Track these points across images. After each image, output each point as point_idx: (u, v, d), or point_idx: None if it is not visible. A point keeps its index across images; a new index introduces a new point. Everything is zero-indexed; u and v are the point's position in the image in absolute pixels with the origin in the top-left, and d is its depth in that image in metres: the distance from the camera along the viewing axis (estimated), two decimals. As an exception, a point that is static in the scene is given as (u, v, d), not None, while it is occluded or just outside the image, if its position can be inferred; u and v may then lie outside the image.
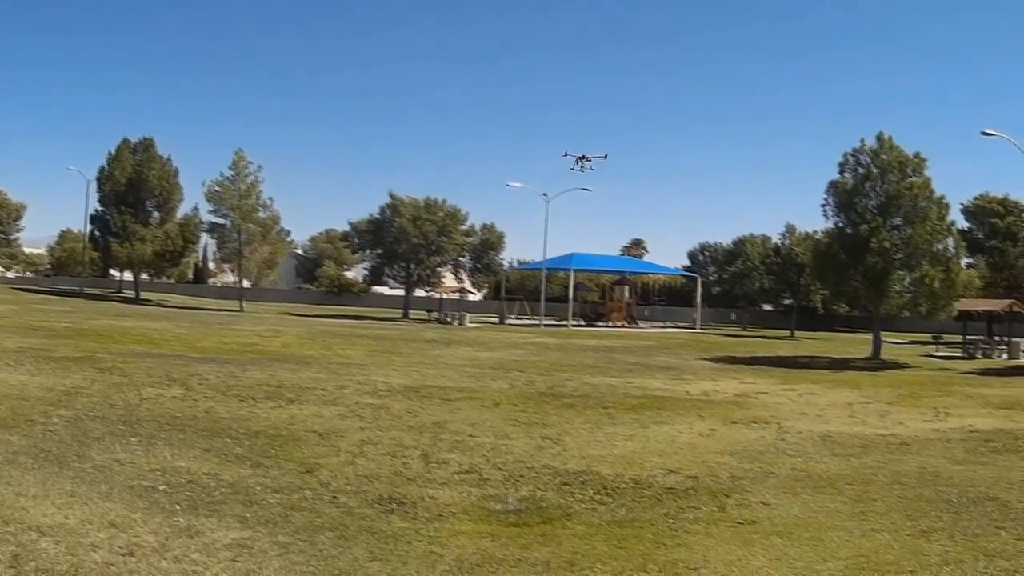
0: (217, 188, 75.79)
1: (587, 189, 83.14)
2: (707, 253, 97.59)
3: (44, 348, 27.45)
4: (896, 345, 53.35)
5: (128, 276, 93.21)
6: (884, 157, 42.94)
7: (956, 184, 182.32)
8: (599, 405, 20.99)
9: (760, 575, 8.23)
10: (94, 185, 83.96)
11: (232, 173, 76.06)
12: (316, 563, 8.01)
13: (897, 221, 42.77)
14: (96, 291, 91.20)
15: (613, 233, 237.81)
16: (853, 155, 44.18)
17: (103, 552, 7.85)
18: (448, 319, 70.28)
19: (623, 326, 73.24)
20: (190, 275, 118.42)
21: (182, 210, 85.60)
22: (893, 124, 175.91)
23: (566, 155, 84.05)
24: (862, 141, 44.07)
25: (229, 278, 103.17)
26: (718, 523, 10.14)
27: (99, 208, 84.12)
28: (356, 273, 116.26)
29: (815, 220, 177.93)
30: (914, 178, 42.66)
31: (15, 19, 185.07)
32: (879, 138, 43.64)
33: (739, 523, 10.16)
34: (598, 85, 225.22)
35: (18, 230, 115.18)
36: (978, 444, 16.62)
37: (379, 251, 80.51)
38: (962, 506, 11.14)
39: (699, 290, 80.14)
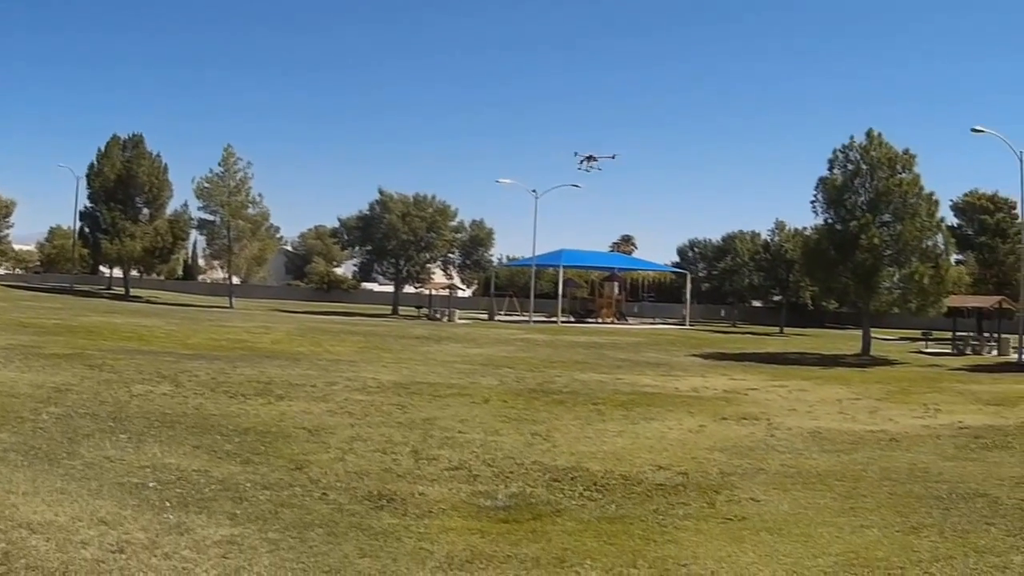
0: (206, 185, 75.63)
1: (576, 186, 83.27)
2: (696, 249, 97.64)
3: (34, 345, 27.36)
4: (886, 341, 53.45)
5: (118, 273, 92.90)
6: (873, 153, 43.01)
7: (946, 180, 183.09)
8: (589, 401, 21.02)
9: (750, 571, 8.24)
10: (84, 182, 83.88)
11: (221, 169, 75.94)
12: (306, 560, 8.00)
13: (887, 217, 42.86)
14: (86, 288, 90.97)
15: (602, 229, 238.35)
16: (843, 151, 44.25)
17: (93, 549, 7.84)
18: (437, 315, 70.21)
19: (612, 322, 73.31)
20: (180, 272, 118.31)
21: (172, 207, 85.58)
22: (883, 120, 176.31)
23: (576, 155, 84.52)
24: (851, 138, 44.25)
25: (219, 275, 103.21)
26: (708, 519, 10.16)
27: (89, 205, 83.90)
28: (345, 269, 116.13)
29: (805, 216, 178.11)
30: (903, 174, 42.75)
31: (4, 15, 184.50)
32: (868, 134, 43.72)
33: (729, 519, 10.18)
34: (588, 81, 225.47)
35: (8, 227, 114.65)
36: (968, 440, 16.67)
37: (368, 247, 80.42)
38: (952, 502, 11.17)
39: (688, 286, 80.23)
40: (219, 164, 75.90)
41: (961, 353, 46.80)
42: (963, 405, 22.88)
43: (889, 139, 43.54)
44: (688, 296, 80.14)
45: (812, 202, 45.07)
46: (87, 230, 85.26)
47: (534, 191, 76.64)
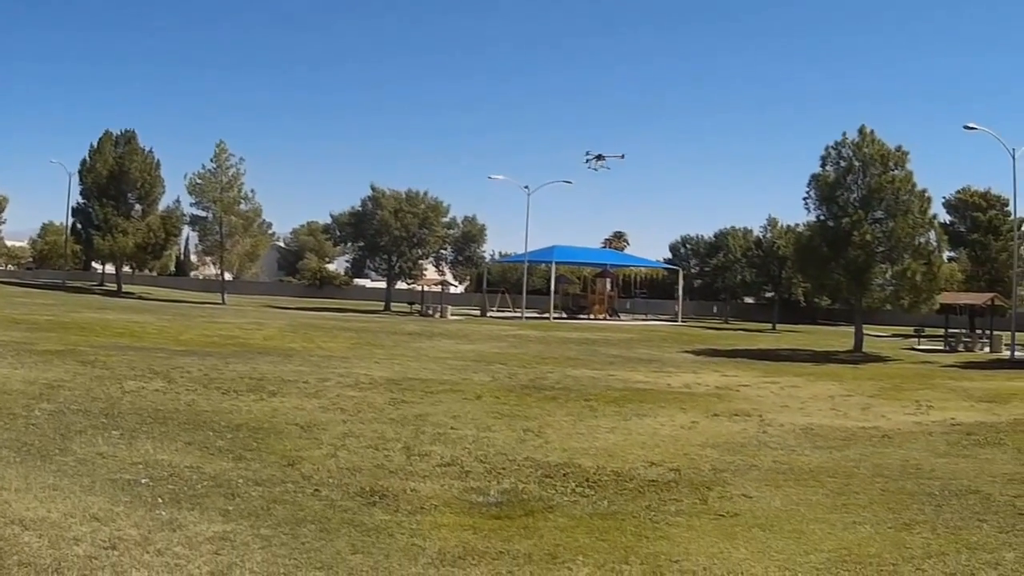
0: (199, 180, 75.71)
1: (568, 182, 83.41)
2: (689, 246, 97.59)
3: (26, 341, 27.32)
4: (878, 338, 53.56)
5: (110, 269, 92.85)
6: (866, 150, 43.09)
7: (939, 177, 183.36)
8: (581, 398, 21.03)
9: (742, 568, 8.23)
10: (76, 178, 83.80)
11: (214, 165, 76.05)
12: (298, 556, 8.00)
13: (879, 214, 42.98)
14: (78, 284, 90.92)
15: (595, 226, 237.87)
16: (835, 148, 44.34)
17: (86, 546, 7.82)
18: (430, 312, 70.25)
19: (605, 319, 73.39)
20: (172, 268, 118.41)
21: (164, 203, 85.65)
22: (876, 117, 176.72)
23: (588, 153, 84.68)
24: (844, 134, 44.33)
25: (211, 271, 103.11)
26: (700, 516, 10.16)
27: (81, 201, 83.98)
28: (338, 266, 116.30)
29: (797, 213, 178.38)
30: (896, 171, 42.84)
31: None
32: (861, 131, 43.80)
33: (721, 516, 10.18)
34: (581, 79, 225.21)
35: (0, 223, 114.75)
36: (960, 437, 16.68)
37: (361, 243, 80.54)
38: (944, 499, 11.17)
39: (681, 283, 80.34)
40: (211, 160, 76.16)
41: (953, 350, 46.90)
42: (955, 402, 22.91)
43: (882, 136, 43.71)
44: (680, 292, 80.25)
45: (805, 199, 45.23)
46: (79, 226, 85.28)
47: (526, 187, 76.85)
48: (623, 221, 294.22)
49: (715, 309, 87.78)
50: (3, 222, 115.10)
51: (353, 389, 20.57)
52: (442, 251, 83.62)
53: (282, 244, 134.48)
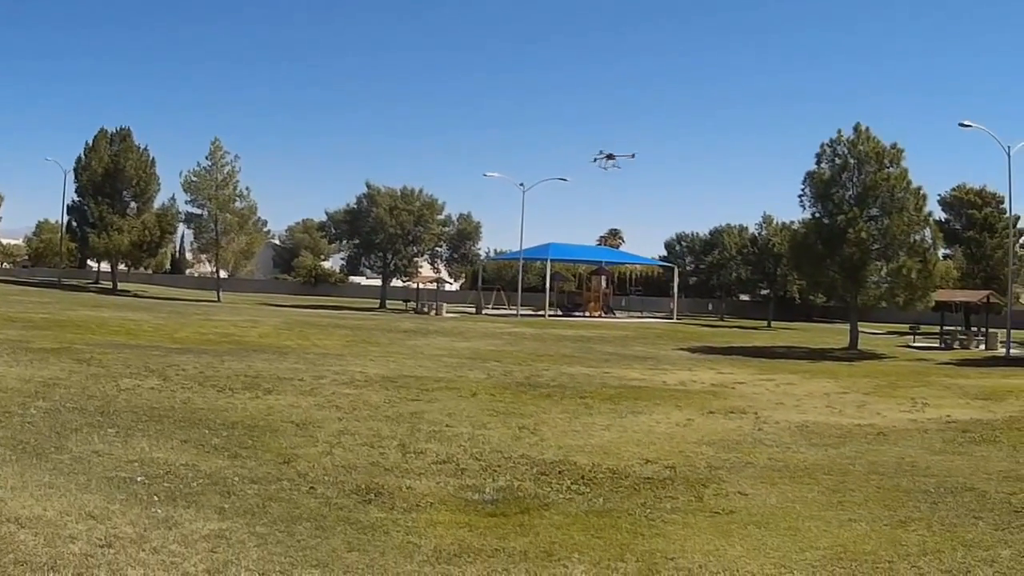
0: (194, 178, 75.71)
1: (564, 179, 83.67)
2: (684, 243, 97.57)
3: (22, 339, 27.30)
4: (873, 335, 53.59)
5: (105, 267, 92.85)
6: (861, 148, 43.07)
7: (934, 175, 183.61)
8: (576, 395, 21.04)
9: (738, 565, 8.24)
10: (71, 176, 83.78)
11: (209, 163, 76.05)
12: (294, 554, 8.00)
13: (874, 212, 42.96)
14: (73, 282, 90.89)
15: (590, 223, 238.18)
16: (830, 146, 44.30)
17: (81, 544, 7.82)
18: (425, 309, 70.24)
19: (600, 316, 73.40)
20: (167, 265, 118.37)
21: (159, 200, 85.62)
22: (871, 115, 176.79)
23: (600, 152, 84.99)
24: (839, 132, 44.27)
25: (206, 268, 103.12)
26: (696, 513, 10.17)
27: (76, 199, 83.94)
28: (333, 263, 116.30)
29: (792, 210, 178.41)
30: (891, 169, 42.80)
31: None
32: (856, 129, 43.78)
33: (717, 513, 10.19)
34: (577, 76, 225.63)
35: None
36: (956, 434, 16.70)
37: (356, 241, 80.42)
38: (940, 496, 11.19)
39: (676, 280, 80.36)
40: (207, 158, 76.10)
41: (949, 347, 46.90)
42: (951, 399, 22.92)
43: (877, 133, 43.68)
44: (675, 290, 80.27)
45: (800, 196, 45.21)
46: (75, 224, 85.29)
47: (522, 184, 76.76)
48: (618, 218, 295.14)
49: (710, 306, 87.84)
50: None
51: (348, 387, 20.57)
52: (437, 249, 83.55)
53: (277, 242, 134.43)
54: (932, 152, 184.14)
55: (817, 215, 44.67)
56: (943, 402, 22.16)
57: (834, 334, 54.97)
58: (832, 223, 42.71)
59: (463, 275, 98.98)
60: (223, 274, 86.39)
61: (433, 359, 29.03)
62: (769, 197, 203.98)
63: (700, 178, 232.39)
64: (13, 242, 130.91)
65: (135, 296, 75.05)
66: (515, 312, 70.65)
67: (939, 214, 72.65)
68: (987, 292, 52.02)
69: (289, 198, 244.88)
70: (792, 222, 56.84)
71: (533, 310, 73.60)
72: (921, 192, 43.19)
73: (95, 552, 7.64)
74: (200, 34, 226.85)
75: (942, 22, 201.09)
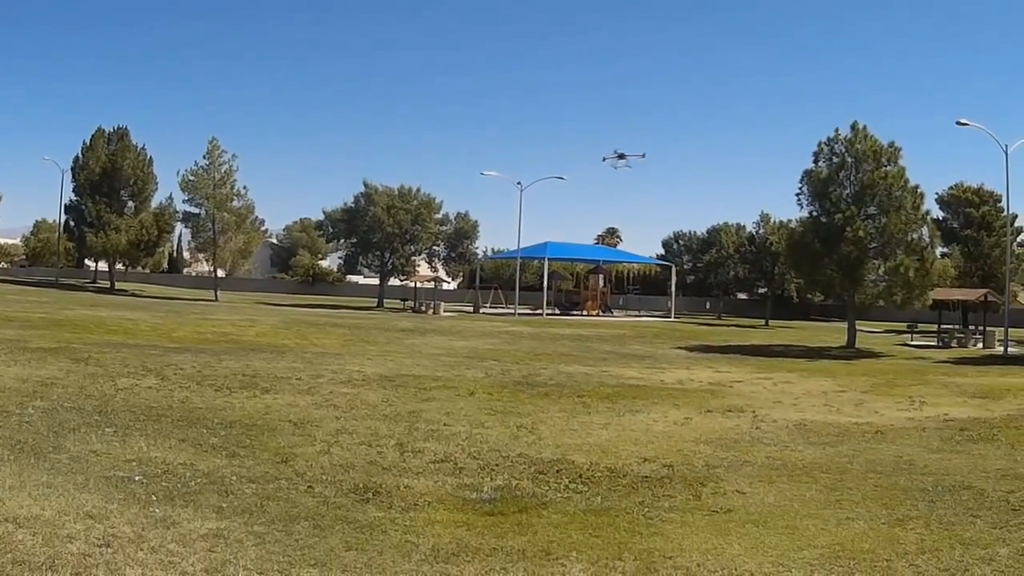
0: (191, 177, 75.66)
1: (561, 178, 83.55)
2: (681, 242, 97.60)
3: (19, 339, 27.28)
4: (871, 334, 53.59)
5: (103, 266, 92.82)
6: (859, 146, 43.09)
7: (931, 173, 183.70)
8: (574, 394, 21.04)
9: (735, 563, 8.24)
10: (69, 175, 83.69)
11: (206, 162, 75.98)
12: (292, 553, 8.00)
13: (872, 210, 42.97)
14: (71, 281, 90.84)
15: (588, 222, 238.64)
16: (828, 144, 44.32)
17: (80, 543, 7.81)
18: (423, 308, 70.21)
19: (598, 315, 73.33)
20: (165, 265, 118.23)
21: (157, 199, 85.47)
22: (869, 113, 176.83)
23: (614, 151, 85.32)
24: (837, 130, 44.29)
25: (204, 267, 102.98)
26: (694, 512, 10.17)
27: (74, 198, 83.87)
28: (330, 262, 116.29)
29: (790, 209, 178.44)
30: (889, 167, 42.82)
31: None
32: (854, 127, 43.79)
33: (715, 511, 10.20)
34: (574, 75, 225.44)
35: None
36: (953, 433, 16.70)
37: (353, 240, 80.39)
38: (938, 495, 11.19)
39: (673, 279, 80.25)
40: (204, 157, 76.05)
41: (946, 346, 46.93)
42: (948, 398, 22.93)
43: (874, 132, 43.68)
44: (673, 289, 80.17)
45: (797, 195, 45.24)
46: (72, 223, 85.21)
47: (519, 183, 76.67)
48: (616, 217, 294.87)
49: (708, 305, 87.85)
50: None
51: (346, 386, 20.58)
52: (435, 247, 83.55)
53: (275, 241, 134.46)
54: (930, 151, 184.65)
55: (815, 214, 44.68)
56: (941, 400, 22.17)
57: (832, 333, 55.00)
58: (830, 222, 42.71)
59: (461, 274, 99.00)
60: (221, 273, 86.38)
61: (431, 358, 29.03)
62: (767, 196, 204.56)
63: (698, 177, 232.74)
64: (11, 241, 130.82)
65: (133, 295, 75.00)
66: (513, 311, 70.57)
67: (937, 213, 72.66)
68: (985, 291, 52.03)
69: (286, 197, 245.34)
70: (790, 221, 56.83)
71: (531, 309, 73.58)
72: (919, 191, 43.26)
73: (93, 551, 7.63)
74: (198, 33, 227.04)
75: (940, 21, 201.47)
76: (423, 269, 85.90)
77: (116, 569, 7.28)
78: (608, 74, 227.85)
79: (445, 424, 15.80)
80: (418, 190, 79.98)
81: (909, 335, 52.77)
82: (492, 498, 10.51)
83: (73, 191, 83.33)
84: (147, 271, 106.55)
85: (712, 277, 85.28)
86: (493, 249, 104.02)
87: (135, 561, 7.48)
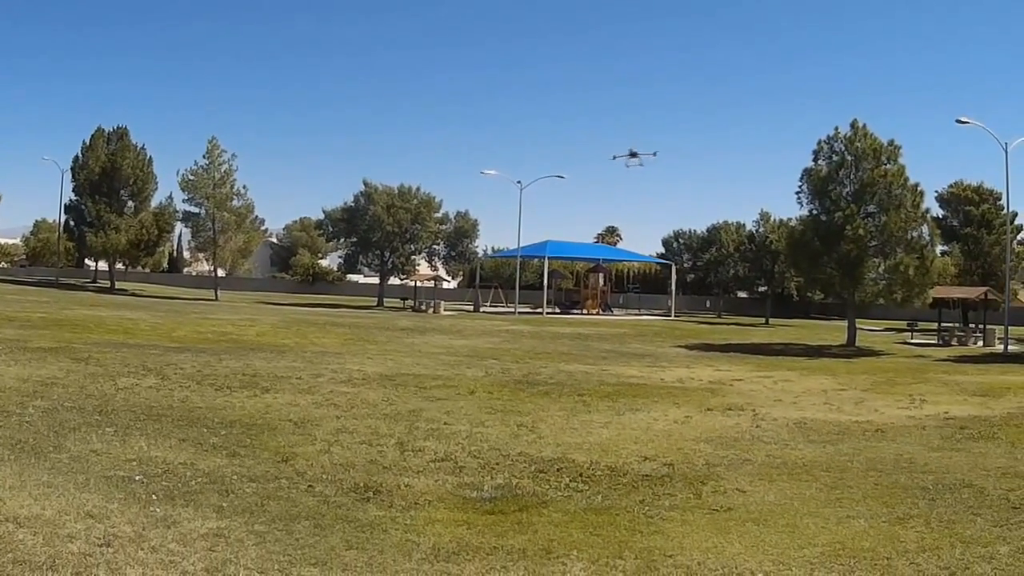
0: (191, 177, 75.65)
1: (561, 176, 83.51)
2: (681, 240, 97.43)
3: (19, 338, 27.28)
4: (871, 332, 53.63)
5: (103, 266, 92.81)
6: (858, 144, 43.04)
7: (931, 171, 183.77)
8: (574, 393, 21.04)
9: (736, 562, 8.24)
10: (68, 175, 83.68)
11: (206, 162, 75.97)
12: (292, 552, 7.99)
13: (871, 208, 42.94)
14: (71, 281, 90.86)
15: (588, 220, 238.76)
16: (827, 142, 44.28)
17: (80, 543, 7.81)
18: (423, 307, 70.21)
19: (598, 313, 73.30)
20: (165, 264, 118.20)
21: (156, 199, 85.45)
22: (868, 111, 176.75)
23: (630, 150, 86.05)
24: (836, 129, 44.22)
25: (204, 267, 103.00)
26: (694, 510, 10.17)
27: (73, 198, 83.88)
28: (330, 261, 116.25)
29: (790, 207, 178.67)
30: (888, 165, 42.79)
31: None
32: (853, 125, 43.74)
33: (715, 510, 10.20)
34: (573, 73, 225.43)
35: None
36: (954, 431, 16.69)
37: (353, 239, 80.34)
38: (938, 493, 11.18)
39: (673, 277, 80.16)
40: (204, 156, 76.03)
41: (947, 344, 46.94)
42: (949, 396, 22.92)
43: (874, 130, 43.62)
44: (673, 287, 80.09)
45: (797, 193, 45.18)
46: (72, 223, 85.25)
47: (519, 182, 76.60)
48: (616, 216, 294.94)
49: (708, 304, 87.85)
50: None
51: (346, 385, 20.58)
52: (435, 247, 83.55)
53: (275, 240, 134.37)
54: (929, 149, 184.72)
55: (814, 212, 44.63)
56: (941, 399, 22.17)
57: (832, 331, 55.00)
58: (829, 220, 42.67)
59: (461, 273, 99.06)
60: (221, 273, 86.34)
61: (431, 357, 29.03)
62: (767, 194, 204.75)
63: (698, 175, 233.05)
64: (11, 241, 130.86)
65: (133, 295, 75.01)
66: (513, 310, 70.55)
67: (936, 211, 72.63)
68: (985, 289, 51.96)
69: (286, 196, 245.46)
70: (789, 219, 56.90)
71: (531, 308, 73.52)
72: (918, 189, 43.20)
73: (94, 551, 7.63)
74: (198, 33, 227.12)
75: (940, 19, 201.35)
76: (423, 268, 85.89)
77: (117, 569, 7.28)
78: (608, 73, 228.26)
79: (445, 423, 15.80)
80: (418, 189, 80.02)
81: (909, 333, 52.76)
82: (492, 497, 10.51)
83: (73, 191, 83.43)
84: (147, 271, 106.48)
85: (712, 276, 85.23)
86: (493, 248, 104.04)
87: (136, 560, 7.48)
